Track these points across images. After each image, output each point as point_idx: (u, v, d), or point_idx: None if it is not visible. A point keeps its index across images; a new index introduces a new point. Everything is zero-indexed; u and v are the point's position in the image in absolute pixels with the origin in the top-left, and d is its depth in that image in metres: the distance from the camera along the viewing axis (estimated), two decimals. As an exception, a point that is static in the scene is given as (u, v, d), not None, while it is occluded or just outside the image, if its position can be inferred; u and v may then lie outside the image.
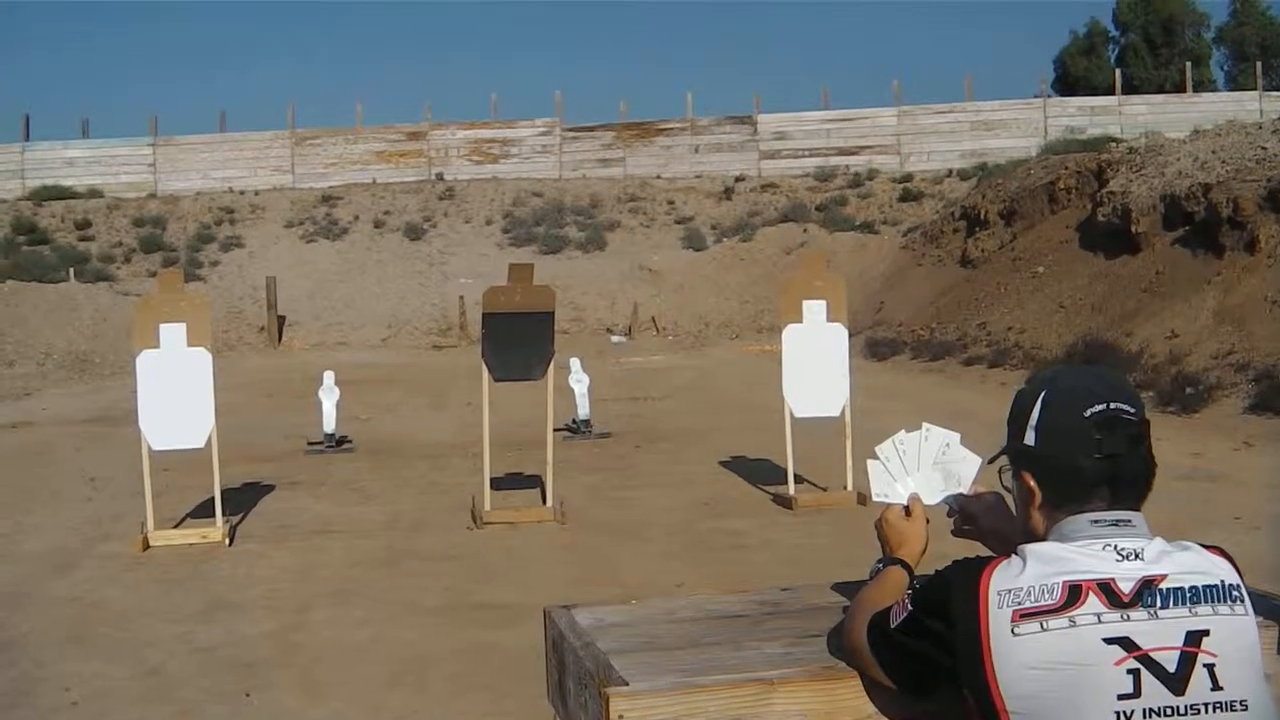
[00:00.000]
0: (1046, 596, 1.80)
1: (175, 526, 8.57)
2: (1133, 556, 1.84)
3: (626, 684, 1.99)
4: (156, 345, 8.30)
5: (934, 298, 21.76)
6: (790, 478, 9.13)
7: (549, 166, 31.81)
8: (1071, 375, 2.03)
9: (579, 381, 12.57)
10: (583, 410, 12.60)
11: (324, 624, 6.37)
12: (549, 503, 8.87)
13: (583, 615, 2.44)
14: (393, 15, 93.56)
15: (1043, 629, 1.78)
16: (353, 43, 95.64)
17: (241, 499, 9.39)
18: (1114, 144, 22.51)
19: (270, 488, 10.08)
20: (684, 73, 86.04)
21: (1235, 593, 1.85)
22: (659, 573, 7.11)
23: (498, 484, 9.17)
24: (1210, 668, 1.78)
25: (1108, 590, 1.80)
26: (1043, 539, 1.93)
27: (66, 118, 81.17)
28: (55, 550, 8.10)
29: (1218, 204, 15.56)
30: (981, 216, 23.16)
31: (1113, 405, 1.90)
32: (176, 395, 8.21)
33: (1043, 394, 1.96)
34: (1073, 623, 1.78)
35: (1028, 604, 1.80)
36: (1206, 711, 1.77)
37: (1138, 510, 1.91)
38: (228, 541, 8.16)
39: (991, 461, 2.10)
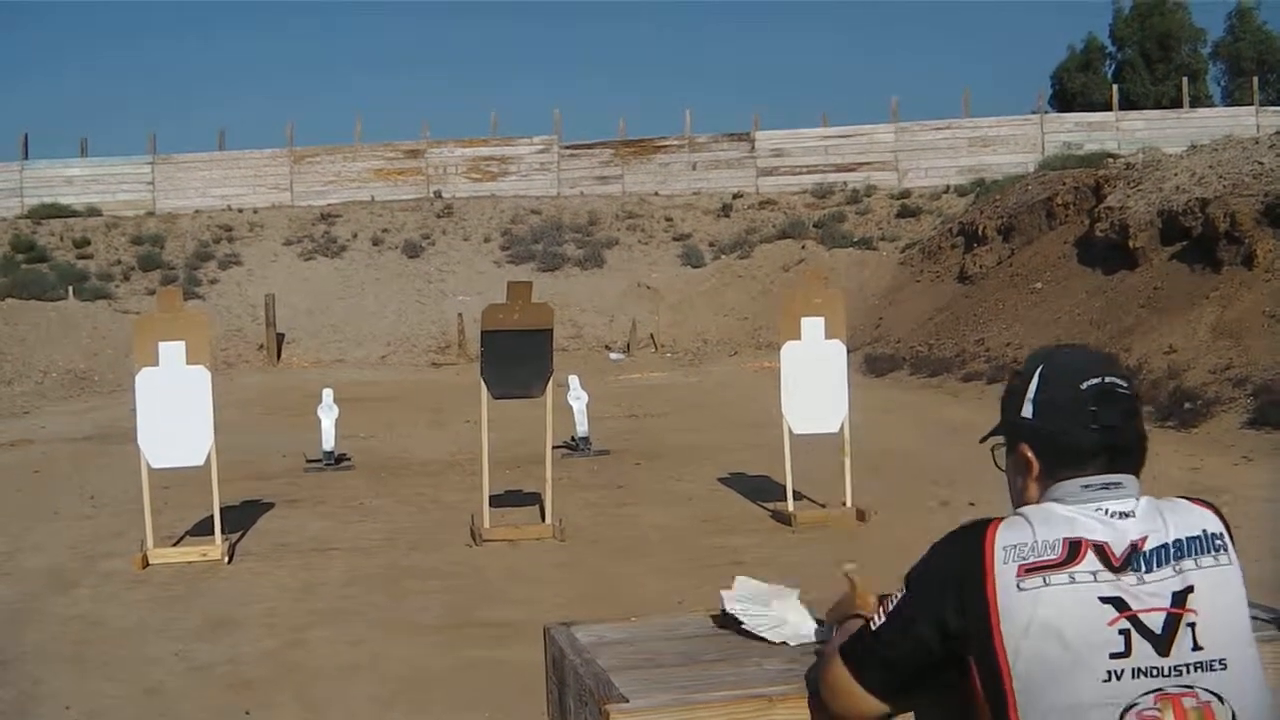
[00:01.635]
0: (1049, 552, 1.85)
1: (175, 544, 8.57)
2: (1123, 517, 1.89)
3: (627, 701, 2.00)
4: (156, 363, 8.31)
5: (932, 313, 21.77)
6: (789, 494, 9.12)
7: (547, 184, 31.82)
8: (1066, 352, 2.09)
9: (577, 399, 12.57)
10: (581, 427, 12.60)
11: (323, 642, 6.36)
12: (548, 520, 8.87)
13: (582, 632, 2.44)
14: (391, 33, 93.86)
15: (1045, 583, 1.83)
16: (351, 61, 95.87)
17: (241, 517, 9.39)
18: (1111, 160, 22.57)
19: (270, 505, 10.08)
20: (682, 90, 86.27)
21: (1219, 542, 1.90)
22: (659, 590, 7.11)
23: (497, 501, 9.17)
24: (1192, 626, 1.83)
25: (1101, 552, 1.85)
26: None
27: (65, 136, 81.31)
28: (55, 568, 8.10)
29: (1215, 219, 15.58)
30: (979, 232, 23.19)
31: (1107, 379, 1.95)
32: (176, 413, 8.22)
33: (1040, 369, 2.01)
34: (1073, 579, 1.83)
35: (1032, 559, 1.85)
36: (1188, 672, 1.82)
37: (1130, 474, 1.95)
38: (227, 559, 8.15)
39: (983, 440, 2.15)
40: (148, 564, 8.02)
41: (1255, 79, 35.06)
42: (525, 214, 30.06)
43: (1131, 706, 1.79)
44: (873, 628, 1.98)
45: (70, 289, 25.85)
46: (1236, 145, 18.75)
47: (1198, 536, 1.90)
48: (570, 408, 12.44)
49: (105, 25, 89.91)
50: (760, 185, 31.27)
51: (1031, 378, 2.01)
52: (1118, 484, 1.92)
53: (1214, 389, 12.49)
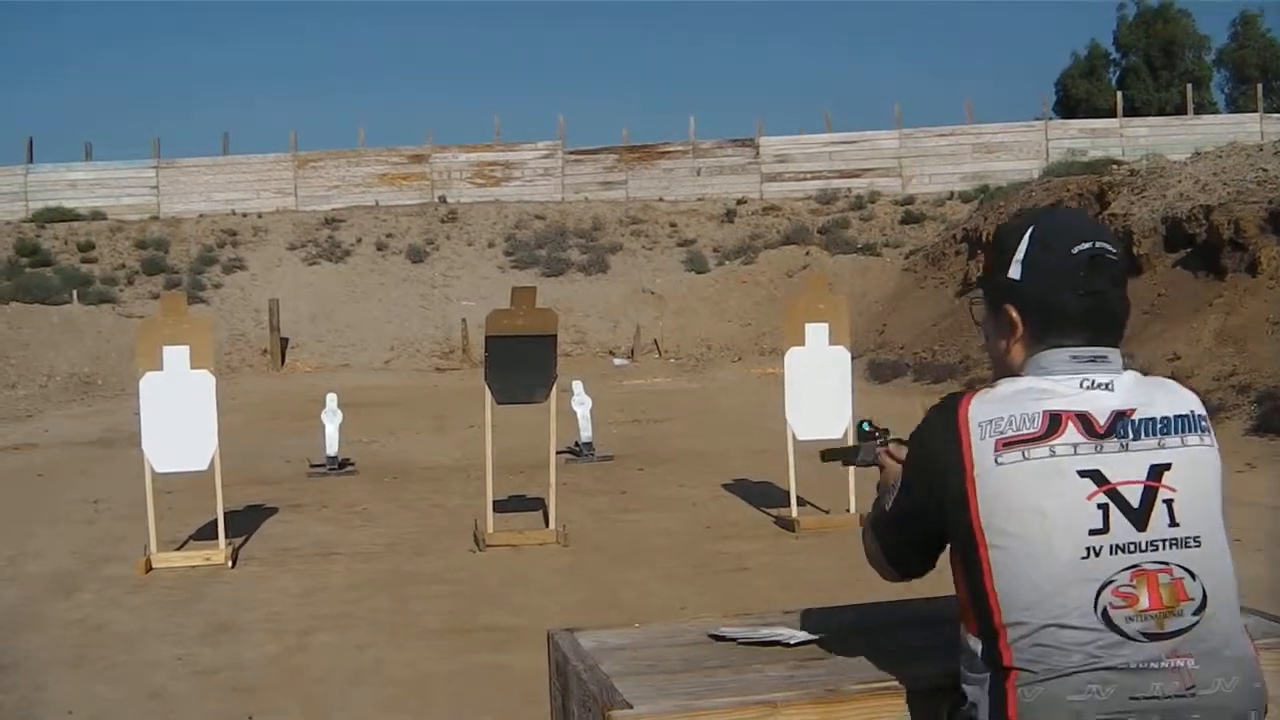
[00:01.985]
0: (1028, 425, 1.86)
1: (178, 549, 8.57)
2: (1107, 389, 1.90)
3: (630, 707, 2.00)
4: (160, 367, 8.31)
5: (936, 320, 21.75)
6: (793, 500, 9.12)
7: (551, 189, 31.85)
8: (1057, 214, 2.11)
9: (581, 404, 12.56)
10: (585, 433, 12.59)
11: (326, 647, 6.36)
12: (552, 525, 8.87)
13: (586, 638, 2.44)
14: (395, 37, 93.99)
15: (1024, 458, 1.84)
16: (355, 65, 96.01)
17: (244, 521, 9.39)
18: (1115, 166, 22.55)
19: (273, 510, 10.08)
20: (686, 96, 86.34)
21: (1203, 423, 1.93)
22: (662, 596, 7.10)
23: (500, 506, 9.16)
24: (1169, 503, 1.84)
25: (1084, 421, 1.86)
26: (1018, 372, 1.98)
27: (69, 140, 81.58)
28: (57, 572, 8.10)
29: (1219, 226, 15.56)
30: (983, 239, 23.12)
31: (1098, 244, 1.95)
32: (179, 417, 8.22)
33: (1030, 230, 1.99)
34: (1052, 452, 1.83)
35: (1010, 433, 1.86)
36: (1164, 548, 1.83)
37: (1115, 347, 1.97)
38: (230, 564, 8.15)
39: (960, 296, 2.18)
40: (151, 568, 8.02)
41: (1259, 86, 35.10)
42: (529, 219, 30.08)
43: (1109, 583, 1.80)
44: (886, 507, 2.06)
45: (74, 293, 25.89)
46: (1240, 152, 18.74)
47: (1186, 415, 1.91)
48: (574, 413, 12.43)
49: (109, 28, 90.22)
50: (764, 191, 31.29)
51: (1021, 238, 1.98)
52: (1104, 358, 1.93)
53: (1218, 396, 12.47)
